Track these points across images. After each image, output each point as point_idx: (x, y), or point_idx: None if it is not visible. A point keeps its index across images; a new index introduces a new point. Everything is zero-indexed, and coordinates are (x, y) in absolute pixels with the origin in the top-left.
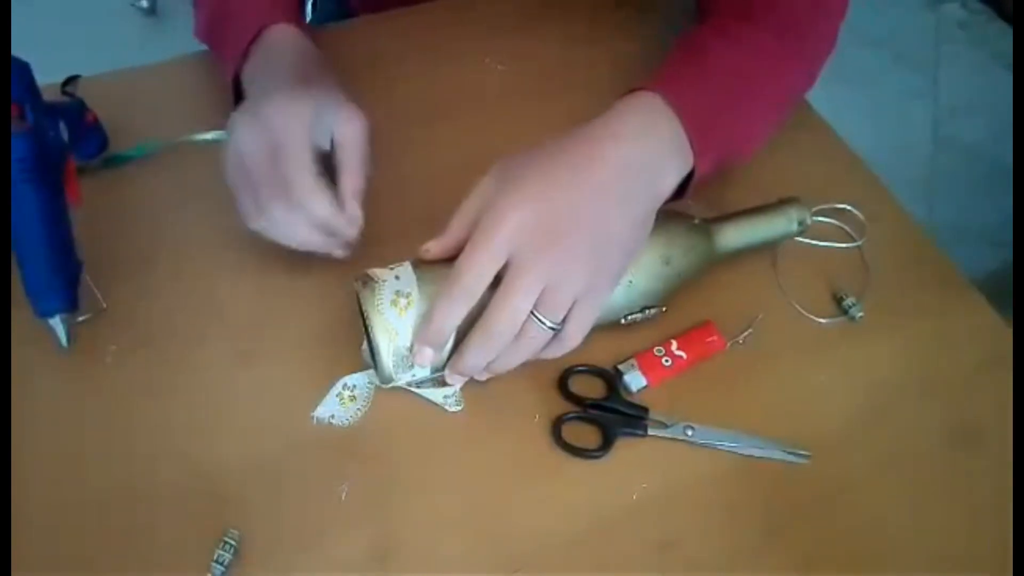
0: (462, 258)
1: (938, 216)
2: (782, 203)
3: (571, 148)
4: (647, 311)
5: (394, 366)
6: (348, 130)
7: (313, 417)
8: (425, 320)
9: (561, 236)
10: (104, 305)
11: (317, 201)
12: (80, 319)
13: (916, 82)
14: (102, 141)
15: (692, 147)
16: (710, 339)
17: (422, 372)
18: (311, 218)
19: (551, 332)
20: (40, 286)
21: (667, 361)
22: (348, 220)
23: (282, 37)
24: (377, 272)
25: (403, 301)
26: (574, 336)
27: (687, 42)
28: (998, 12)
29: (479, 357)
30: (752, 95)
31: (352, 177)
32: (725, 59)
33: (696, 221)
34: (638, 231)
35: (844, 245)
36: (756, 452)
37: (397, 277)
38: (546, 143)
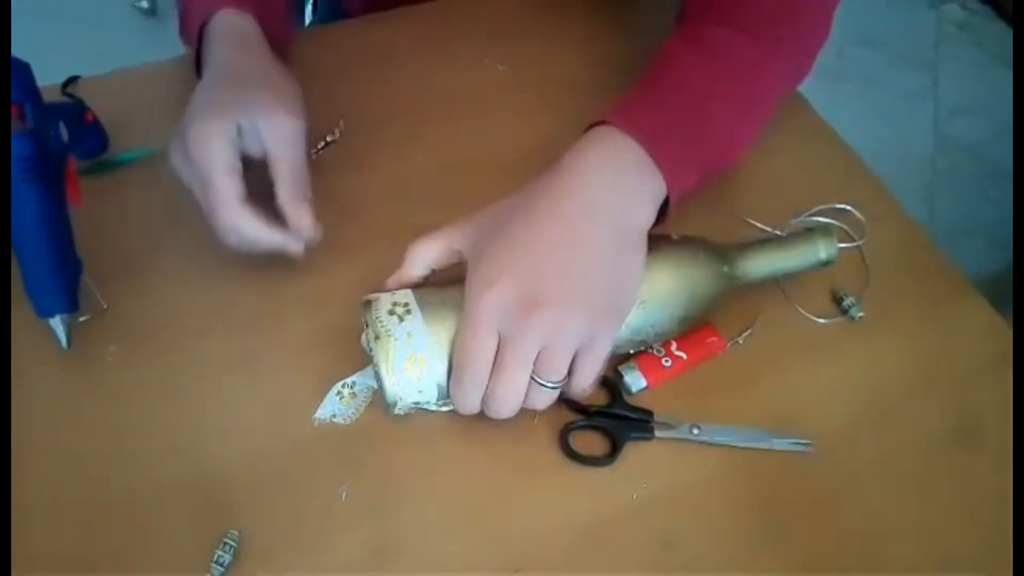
0: (457, 348)
1: (938, 216)
2: (811, 235)
3: (531, 203)
4: (654, 347)
5: (401, 413)
6: (275, 138)
7: (315, 419)
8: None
9: (541, 296)
10: (104, 305)
11: (243, 227)
12: (80, 319)
13: (916, 82)
14: (102, 141)
15: (660, 170)
16: (710, 340)
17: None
18: (243, 239)
19: (555, 391)
20: (40, 286)
21: (667, 362)
22: (294, 230)
23: (222, 26)
24: (387, 324)
25: (416, 369)
26: (583, 385)
27: (656, 58)
28: (997, 12)
29: (497, 418)
30: (726, 100)
31: (286, 188)
32: (692, 69)
33: (724, 268)
34: (624, 265)
35: (844, 245)
36: (761, 444)
37: (409, 335)
38: (512, 197)
